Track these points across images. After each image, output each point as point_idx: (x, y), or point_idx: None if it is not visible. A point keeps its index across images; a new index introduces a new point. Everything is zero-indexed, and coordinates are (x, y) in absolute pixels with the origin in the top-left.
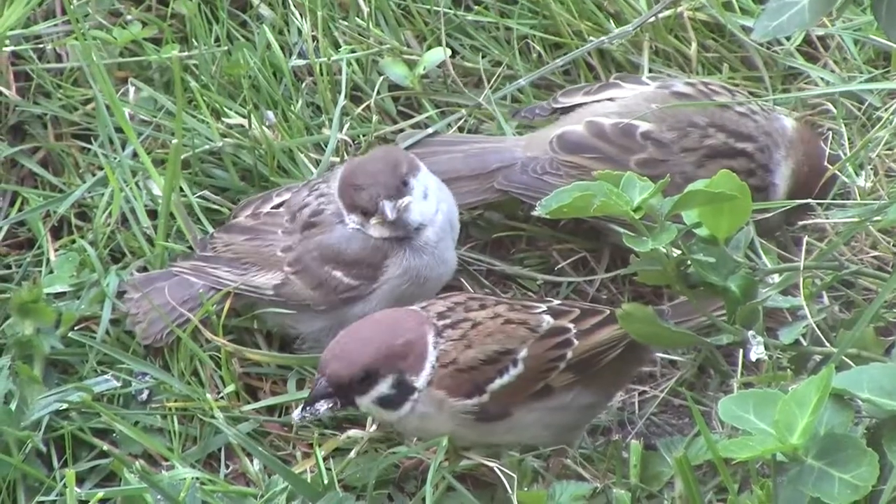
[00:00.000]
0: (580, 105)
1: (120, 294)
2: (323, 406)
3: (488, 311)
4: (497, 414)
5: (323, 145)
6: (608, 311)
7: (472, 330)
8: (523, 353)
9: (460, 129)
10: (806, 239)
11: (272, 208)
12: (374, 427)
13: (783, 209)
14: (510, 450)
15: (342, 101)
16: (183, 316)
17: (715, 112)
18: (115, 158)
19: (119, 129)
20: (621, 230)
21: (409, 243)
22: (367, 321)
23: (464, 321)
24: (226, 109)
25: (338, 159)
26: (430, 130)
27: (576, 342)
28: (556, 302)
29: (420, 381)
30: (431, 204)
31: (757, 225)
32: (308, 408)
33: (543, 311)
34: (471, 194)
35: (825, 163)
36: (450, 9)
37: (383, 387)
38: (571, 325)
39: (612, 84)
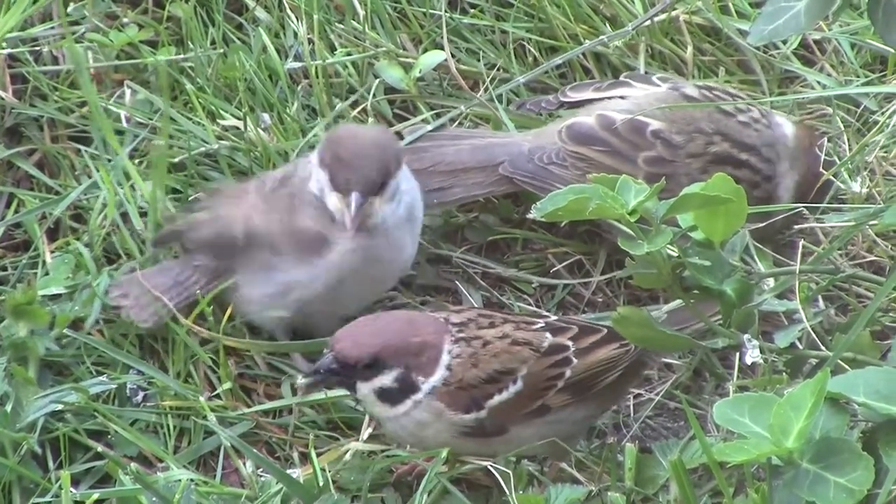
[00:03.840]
0: (589, 101)
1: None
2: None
3: (496, 329)
4: (493, 430)
5: None
6: (605, 330)
7: (481, 349)
8: (524, 371)
9: None
10: (802, 242)
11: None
12: (367, 434)
13: (785, 215)
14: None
15: (338, 104)
16: (173, 299)
17: (720, 120)
18: (109, 161)
19: (117, 132)
20: (621, 227)
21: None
22: (388, 314)
23: (475, 339)
24: (221, 112)
25: None
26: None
27: (575, 360)
28: (554, 318)
29: (426, 384)
30: (394, 205)
31: (760, 231)
32: (314, 376)
33: (542, 328)
34: (477, 186)
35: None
36: (446, 12)
37: (387, 378)
38: (570, 343)
39: (622, 82)
